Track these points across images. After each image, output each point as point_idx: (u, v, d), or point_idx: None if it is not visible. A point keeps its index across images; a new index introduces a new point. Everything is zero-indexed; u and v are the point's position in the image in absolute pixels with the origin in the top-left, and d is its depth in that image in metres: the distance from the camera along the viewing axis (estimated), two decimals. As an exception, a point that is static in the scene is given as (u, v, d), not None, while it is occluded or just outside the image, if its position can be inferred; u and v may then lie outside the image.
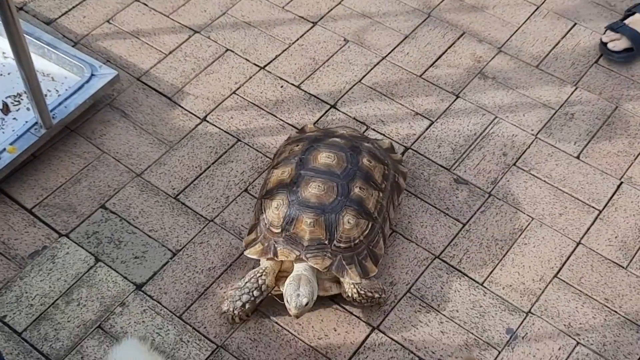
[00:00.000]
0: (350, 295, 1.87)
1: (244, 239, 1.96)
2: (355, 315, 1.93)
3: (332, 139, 2.02)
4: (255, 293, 1.86)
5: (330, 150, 1.97)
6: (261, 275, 1.87)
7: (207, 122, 2.31)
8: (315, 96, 2.39)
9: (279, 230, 1.87)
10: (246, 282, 1.87)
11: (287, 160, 1.98)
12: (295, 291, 1.79)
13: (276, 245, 1.86)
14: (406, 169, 2.15)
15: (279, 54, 2.49)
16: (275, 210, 1.89)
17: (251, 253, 1.90)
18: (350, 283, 1.86)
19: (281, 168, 1.97)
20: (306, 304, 1.78)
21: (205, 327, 1.91)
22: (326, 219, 1.85)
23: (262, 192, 1.99)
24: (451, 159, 2.25)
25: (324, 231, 1.85)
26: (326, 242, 1.85)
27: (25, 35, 1.95)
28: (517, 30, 2.58)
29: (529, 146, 2.28)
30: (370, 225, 1.90)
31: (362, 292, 1.87)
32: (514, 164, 2.24)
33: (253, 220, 1.98)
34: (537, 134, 2.31)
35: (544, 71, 2.47)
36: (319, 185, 1.88)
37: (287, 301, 1.78)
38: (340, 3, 2.64)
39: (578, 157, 2.26)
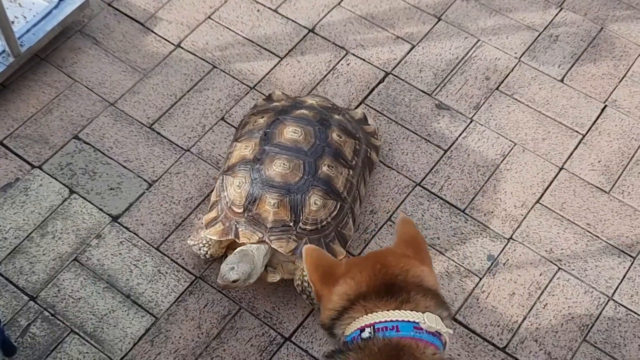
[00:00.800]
0: (300, 284, 1.76)
1: (205, 216, 1.84)
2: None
3: (300, 111, 1.88)
4: (204, 253, 1.83)
5: (298, 124, 1.83)
6: (204, 246, 1.82)
7: (182, 48, 2.24)
8: (293, 20, 2.31)
9: (241, 210, 1.76)
10: (192, 245, 1.84)
11: (250, 134, 1.85)
12: (232, 264, 1.67)
13: (238, 226, 1.75)
14: (379, 142, 2.01)
15: (255, -23, 2.41)
16: (237, 189, 1.77)
17: (211, 233, 1.77)
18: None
19: (244, 142, 1.84)
20: (234, 281, 1.66)
21: (183, 259, 1.88)
22: (291, 200, 1.74)
23: (224, 167, 1.86)
24: (432, 84, 2.20)
25: (289, 212, 1.74)
26: (291, 224, 1.74)
27: (-14, -42, 1.87)
28: (501, -50, 2.50)
29: (512, 70, 2.23)
30: (339, 206, 1.79)
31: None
32: (497, 89, 2.20)
33: (214, 197, 1.86)
34: (521, 57, 2.26)
35: (529, -8, 2.41)
36: (284, 163, 1.76)
37: (220, 269, 1.69)
38: None
39: (562, 81, 2.22)
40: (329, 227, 1.78)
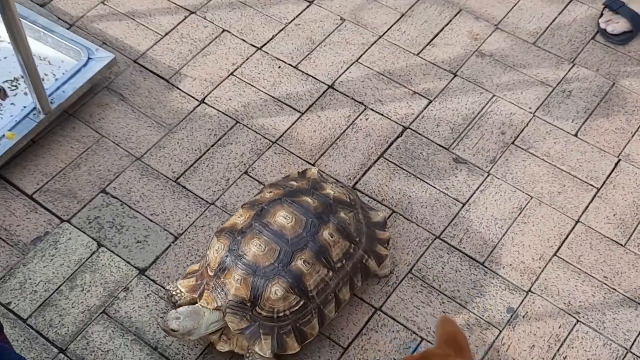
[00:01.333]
0: None
1: (190, 266, 1.90)
2: (358, 297, 1.95)
3: (305, 198, 1.83)
4: (174, 301, 1.89)
5: (293, 210, 1.80)
6: (175, 295, 1.88)
7: (206, 104, 2.31)
8: (312, 76, 2.38)
9: (212, 274, 1.78)
10: (168, 290, 1.91)
11: (252, 205, 1.85)
12: (179, 315, 1.72)
13: (205, 289, 1.77)
14: (387, 251, 1.92)
15: (276, 34, 2.48)
16: (215, 253, 1.78)
17: (183, 285, 1.83)
18: (255, 353, 1.76)
19: (244, 210, 1.84)
20: (173, 330, 1.70)
21: (209, 311, 1.92)
22: (254, 282, 1.73)
23: (219, 227, 1.91)
24: (450, 138, 2.26)
25: (249, 293, 1.73)
26: (248, 304, 1.74)
27: (20, 19, 1.94)
28: (513, 7, 2.58)
29: (527, 124, 2.29)
30: (301, 303, 1.75)
31: None
32: (513, 143, 2.25)
33: (205, 251, 1.93)
34: (535, 111, 2.32)
35: (541, 48, 2.47)
36: (260, 245, 1.75)
37: (168, 313, 1.73)
38: (336, -19, 2.63)
39: (576, 135, 2.27)
40: (286, 319, 1.76)
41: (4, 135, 2.07)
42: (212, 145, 2.22)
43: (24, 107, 2.16)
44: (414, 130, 2.27)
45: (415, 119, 2.30)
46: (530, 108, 2.33)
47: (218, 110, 2.30)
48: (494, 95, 2.35)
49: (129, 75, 2.36)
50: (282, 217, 1.79)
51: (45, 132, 2.21)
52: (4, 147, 2.06)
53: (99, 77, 2.26)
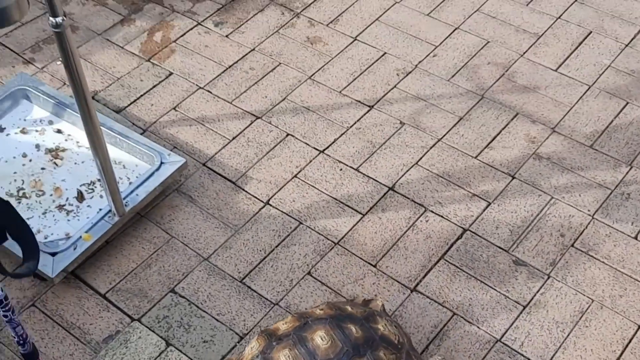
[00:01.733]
0: None
1: (228, 357, 1.97)
2: (420, 400, 1.97)
3: (351, 326, 1.80)
4: None
5: (334, 333, 1.78)
6: None
7: (270, 205, 2.40)
8: (373, 179, 2.46)
9: None
10: None
11: (300, 316, 1.86)
12: None
13: None
14: None
15: (338, 138, 2.58)
16: (250, 350, 1.82)
17: None
18: None
19: (292, 318, 1.86)
20: None
21: (273, 412, 1.96)
22: None
23: (267, 326, 1.96)
24: (509, 240, 2.29)
25: None
26: None
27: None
28: (569, 111, 2.64)
29: (586, 227, 2.32)
30: None
31: None
32: (572, 245, 2.28)
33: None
34: (594, 214, 2.35)
35: (598, 151, 2.52)
36: (288, 357, 1.76)
37: None
38: (395, 86, 2.73)
39: (636, 238, 2.29)
40: None
41: (80, 237, 2.18)
42: (276, 246, 2.30)
43: (100, 209, 2.27)
44: (473, 232, 2.32)
45: (475, 221, 2.34)
46: (589, 210, 2.36)
47: (282, 211, 2.38)
48: (552, 198, 2.39)
49: (198, 178, 2.47)
50: (320, 337, 1.79)
51: (118, 233, 2.31)
52: (81, 248, 2.17)
53: (171, 181, 2.38)
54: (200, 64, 2.81)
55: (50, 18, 1.78)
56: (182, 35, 2.92)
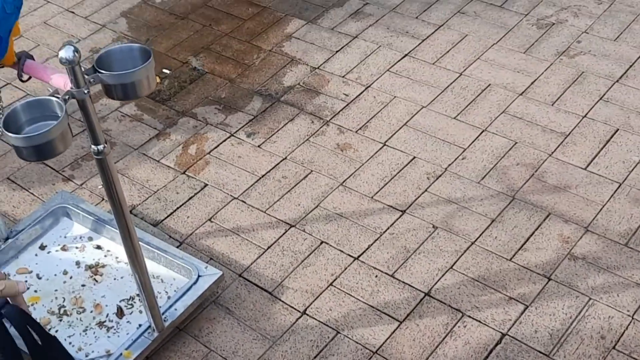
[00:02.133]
0: None
1: None
2: None
3: None
4: None
5: None
6: None
7: (307, 315, 2.41)
8: (409, 284, 2.47)
9: None
10: None
11: None
12: None
13: None
14: None
15: (372, 244, 2.61)
16: None
17: None
18: None
19: None
20: None
21: None
22: None
23: None
24: (549, 344, 2.27)
25: None
26: None
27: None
28: (601, 209, 2.65)
29: (627, 328, 2.29)
30: None
31: None
32: (614, 347, 2.25)
33: None
34: (634, 314, 2.33)
35: (634, 249, 2.51)
36: None
37: None
38: (426, 190, 2.77)
39: (678, 338, 2.26)
40: None
41: (121, 354, 2.20)
42: (314, 357, 2.29)
43: (139, 325, 2.30)
44: (512, 337, 2.30)
45: (513, 325, 2.33)
46: (628, 311, 2.34)
47: (319, 321, 2.39)
48: (590, 299, 2.38)
49: (235, 289, 2.49)
50: None
51: (158, 348, 2.33)
52: (121, 365, 2.19)
53: (208, 293, 2.40)
54: (234, 174, 2.88)
55: (93, 146, 1.86)
56: (215, 147, 3.00)
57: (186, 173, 2.91)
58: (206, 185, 2.85)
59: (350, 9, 3.65)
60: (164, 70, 3.37)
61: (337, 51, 3.41)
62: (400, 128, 3.02)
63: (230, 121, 3.12)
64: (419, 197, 2.75)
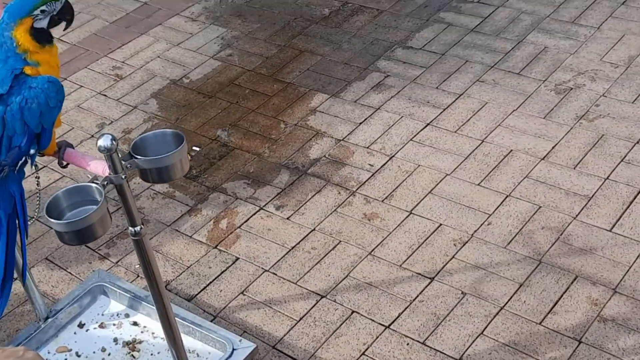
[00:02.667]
0: None
1: None
2: None
3: None
4: None
5: None
6: None
7: (341, 385, 2.44)
8: (440, 352, 2.50)
9: None
10: None
11: None
12: None
13: None
14: None
15: (402, 312, 2.65)
16: None
17: None
18: None
19: None
20: None
21: None
22: None
23: None
24: (583, 407, 2.28)
25: None
26: None
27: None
28: (629, 270, 2.67)
29: (661, 389, 2.30)
30: None
31: None
32: (648, 409, 2.25)
33: None
34: (667, 375, 2.34)
35: (663, 309, 2.53)
36: None
37: None
38: (453, 257, 2.81)
39: None
40: None
41: None
42: None
43: (177, 399, 2.35)
44: (545, 402, 2.31)
45: (546, 389, 2.35)
46: (661, 372, 2.35)
47: (353, 390, 2.42)
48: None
49: (269, 361, 2.54)
50: None
51: (195, 422, 2.37)
52: None
53: (243, 366, 2.45)
54: (265, 247, 2.95)
55: (130, 227, 1.94)
56: (245, 221, 3.08)
57: (218, 247, 2.98)
58: (237, 258, 2.92)
59: (372, 81, 3.76)
60: (194, 148, 3.49)
61: (360, 123, 3.51)
62: (426, 196, 3.09)
63: (259, 195, 3.20)
64: (446, 263, 2.80)
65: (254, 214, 3.12)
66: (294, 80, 3.85)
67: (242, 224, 3.07)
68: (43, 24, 1.86)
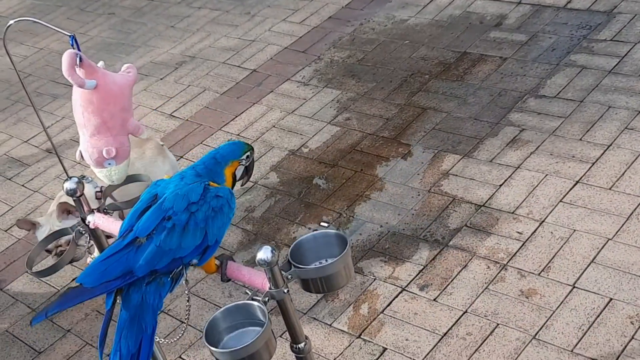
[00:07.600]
0: None
1: None
2: None
3: None
4: None
5: None
6: None
7: None
8: None
9: None
10: None
11: None
12: None
13: None
14: None
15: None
16: None
17: None
18: None
19: None
20: None
21: None
22: None
23: None
24: None
25: None
26: None
27: None
28: None
29: None
30: None
31: None
32: None
33: None
34: None
35: None
36: None
37: None
38: (633, 338, 2.47)
39: None
40: None
41: None
42: None
43: None
44: None
45: None
46: None
47: None
48: None
49: None
50: None
51: None
52: None
53: None
54: (414, 334, 2.68)
55: (292, 344, 1.72)
56: (388, 304, 2.82)
57: (362, 337, 2.73)
58: (385, 349, 2.66)
59: (506, 137, 3.47)
60: (322, 224, 3.27)
61: (500, 185, 3.22)
62: (588, 266, 2.75)
63: (399, 273, 2.94)
64: (626, 346, 2.46)
65: (397, 295, 2.85)
66: (420, 142, 3.60)
67: (385, 308, 2.81)
68: (240, 171, 1.94)
